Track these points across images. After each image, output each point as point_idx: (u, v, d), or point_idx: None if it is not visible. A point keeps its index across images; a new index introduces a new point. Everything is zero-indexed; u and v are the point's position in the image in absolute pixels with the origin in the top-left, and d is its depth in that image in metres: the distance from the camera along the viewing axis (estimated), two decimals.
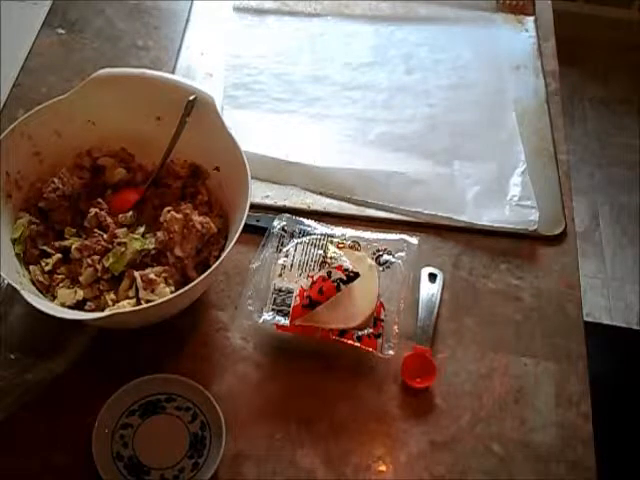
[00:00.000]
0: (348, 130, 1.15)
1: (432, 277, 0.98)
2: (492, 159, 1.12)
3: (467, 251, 1.02)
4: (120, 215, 0.93)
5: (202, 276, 0.83)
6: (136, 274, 0.87)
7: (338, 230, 0.99)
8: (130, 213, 0.93)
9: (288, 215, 1.00)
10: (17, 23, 2.27)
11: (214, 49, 1.24)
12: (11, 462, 0.83)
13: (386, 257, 0.96)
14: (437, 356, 0.92)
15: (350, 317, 0.89)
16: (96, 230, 0.91)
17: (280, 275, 0.93)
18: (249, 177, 0.89)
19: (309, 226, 0.99)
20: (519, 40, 1.29)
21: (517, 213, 1.05)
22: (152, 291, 0.86)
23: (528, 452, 0.86)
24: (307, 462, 0.84)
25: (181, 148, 0.96)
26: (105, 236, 0.90)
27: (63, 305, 0.86)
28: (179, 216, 0.90)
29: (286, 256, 0.95)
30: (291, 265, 0.94)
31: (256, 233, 0.98)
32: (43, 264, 0.90)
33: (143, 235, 0.91)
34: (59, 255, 0.90)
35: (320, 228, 0.99)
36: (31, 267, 0.89)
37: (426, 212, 1.05)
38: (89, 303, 0.87)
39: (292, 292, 0.91)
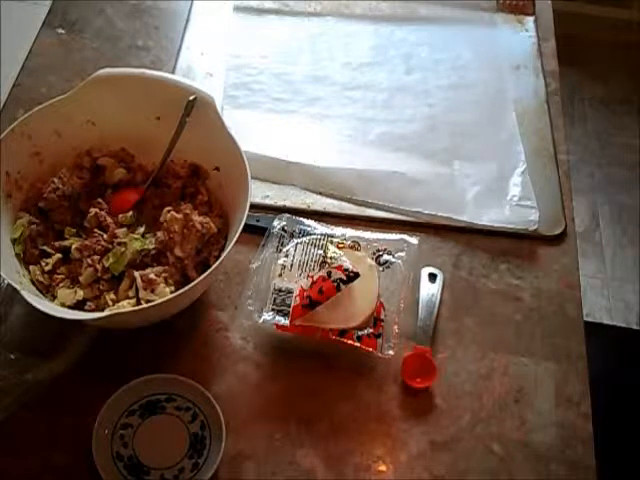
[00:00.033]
0: (348, 130, 1.15)
1: (432, 277, 0.98)
2: (492, 159, 1.12)
3: (467, 251, 1.03)
4: (120, 215, 0.93)
5: (202, 276, 0.83)
6: (136, 274, 0.87)
7: (338, 230, 0.99)
8: (130, 213, 0.93)
9: (288, 215, 1.00)
10: (17, 23, 2.27)
11: (214, 49, 1.24)
12: (11, 462, 0.83)
13: (386, 257, 0.96)
14: (437, 356, 0.92)
15: (350, 317, 0.89)
16: (96, 230, 0.91)
17: (280, 275, 0.93)
18: (249, 177, 0.89)
19: (309, 226, 0.99)
20: (519, 40, 1.29)
21: (517, 213, 1.05)
22: (152, 291, 0.86)
23: (528, 452, 0.86)
24: (307, 462, 0.84)
25: (181, 148, 0.96)
26: (105, 236, 0.90)
27: (63, 305, 0.86)
28: (179, 216, 0.90)
29: (286, 256, 0.95)
30: (291, 265, 0.94)
31: (256, 233, 0.98)
32: (43, 264, 0.90)
33: (143, 235, 0.91)
34: (59, 255, 0.90)
35: (320, 228, 0.99)
36: (31, 267, 0.89)
37: (426, 212, 1.05)
38: (89, 303, 0.87)
39: (292, 292, 0.91)
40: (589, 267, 2.06)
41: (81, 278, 0.88)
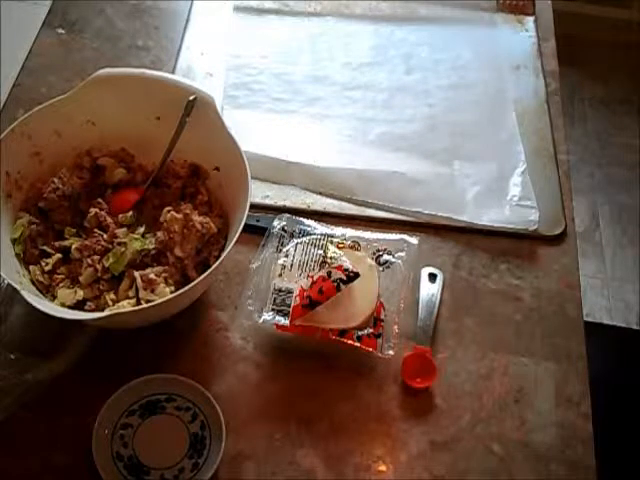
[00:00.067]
0: (348, 130, 1.15)
1: (432, 277, 0.98)
2: (492, 159, 1.12)
3: (467, 251, 1.03)
4: (120, 215, 0.93)
5: (202, 276, 0.83)
6: (136, 274, 0.87)
7: (338, 230, 0.99)
8: (130, 213, 0.93)
9: (288, 215, 1.00)
10: (17, 23, 2.27)
11: (214, 49, 1.24)
12: (11, 462, 0.83)
13: (386, 257, 0.96)
14: (437, 356, 0.92)
15: (350, 317, 0.89)
16: (96, 230, 0.91)
17: (280, 275, 0.93)
18: (249, 177, 0.89)
19: (309, 226, 0.99)
20: (519, 40, 1.29)
21: (517, 213, 1.05)
22: (152, 291, 0.86)
23: (528, 452, 0.86)
24: (307, 462, 0.84)
25: (181, 148, 0.96)
26: (105, 236, 0.90)
27: (63, 305, 0.86)
28: (179, 216, 0.90)
29: (286, 256, 0.95)
30: (291, 265, 0.94)
31: (256, 233, 0.98)
32: (43, 264, 0.90)
33: (143, 235, 0.91)
34: (59, 255, 0.90)
35: (320, 228, 0.99)
36: (31, 267, 0.89)
37: (426, 212, 1.05)
38: (89, 303, 0.87)
39: (292, 292, 0.91)
40: (589, 267, 2.06)
41: (81, 278, 0.88)
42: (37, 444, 0.84)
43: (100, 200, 0.94)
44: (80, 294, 0.87)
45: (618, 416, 1.42)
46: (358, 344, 0.88)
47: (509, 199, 1.07)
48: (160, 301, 0.83)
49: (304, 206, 1.05)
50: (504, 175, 1.10)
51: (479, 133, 1.16)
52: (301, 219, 1.00)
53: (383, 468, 0.85)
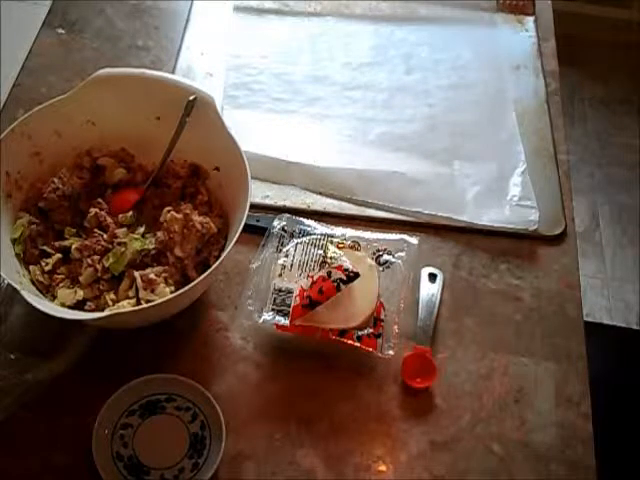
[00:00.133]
0: (348, 130, 1.15)
1: (432, 277, 0.98)
2: (492, 159, 1.12)
3: (467, 251, 1.03)
4: (120, 215, 0.93)
5: (202, 276, 0.83)
6: (136, 274, 0.87)
7: (338, 230, 0.99)
8: (130, 213, 0.93)
9: (288, 215, 1.00)
10: (17, 23, 2.27)
11: (214, 49, 1.24)
12: (11, 462, 0.83)
13: (386, 257, 0.96)
14: (437, 356, 0.92)
15: (350, 317, 0.89)
16: (96, 230, 0.91)
17: (280, 275, 0.93)
18: (249, 177, 0.89)
19: (309, 226, 0.99)
20: (519, 40, 1.29)
21: (517, 213, 1.05)
22: (152, 291, 0.86)
23: (528, 452, 0.86)
24: (307, 462, 0.84)
25: (181, 148, 0.96)
26: (105, 236, 0.90)
27: (63, 305, 0.86)
28: (179, 216, 0.90)
29: (286, 256, 0.95)
30: (291, 265, 0.94)
31: (256, 233, 0.98)
32: (43, 264, 0.90)
33: (143, 235, 0.91)
34: (59, 255, 0.90)
35: (320, 228, 0.99)
36: (31, 267, 0.89)
37: (426, 212, 1.05)
38: (89, 303, 0.87)
39: (292, 292, 0.91)
40: (589, 267, 2.06)
41: (81, 278, 0.88)
42: (37, 444, 0.84)
43: (100, 200, 0.94)
44: (80, 294, 0.87)
45: (618, 416, 1.42)
46: (358, 344, 0.88)
47: (509, 199, 1.07)
48: (160, 301, 0.83)
49: (304, 206, 1.05)
50: (504, 175, 1.10)
51: (479, 133, 1.16)
52: (301, 219, 1.00)
53: (383, 468, 0.85)
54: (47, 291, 0.88)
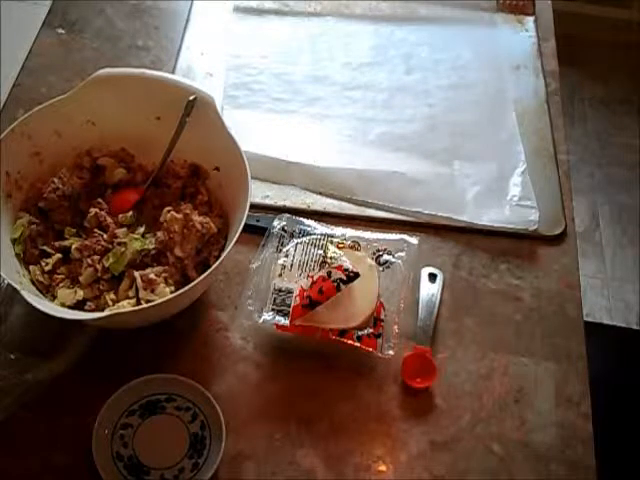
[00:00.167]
0: (348, 130, 1.15)
1: (432, 277, 0.98)
2: (492, 159, 1.12)
3: (467, 251, 1.03)
4: (120, 215, 0.93)
5: (202, 276, 0.83)
6: (136, 274, 0.87)
7: (338, 230, 0.99)
8: (130, 213, 0.93)
9: (288, 215, 1.00)
10: (17, 23, 2.28)
11: (214, 49, 1.24)
12: (11, 462, 0.83)
13: (386, 257, 0.96)
14: (437, 356, 0.92)
15: (350, 317, 0.89)
16: (96, 230, 0.91)
17: (280, 275, 0.93)
18: (249, 177, 0.89)
19: (309, 226, 0.99)
20: (519, 40, 1.29)
21: (517, 213, 1.05)
22: (152, 291, 0.86)
23: (528, 452, 0.86)
24: (307, 462, 0.84)
25: (181, 148, 0.96)
26: (105, 236, 0.90)
27: (63, 305, 0.86)
28: (179, 216, 0.90)
29: (286, 256, 0.95)
30: (291, 265, 0.94)
31: (256, 233, 0.98)
32: (43, 264, 0.90)
33: (143, 235, 0.91)
34: (59, 255, 0.90)
35: (320, 228, 0.99)
36: (31, 267, 0.89)
37: (426, 212, 1.05)
38: (89, 303, 0.87)
39: (292, 292, 0.91)
40: (589, 267, 2.06)
41: (81, 278, 0.88)
42: (37, 444, 0.84)
43: (100, 200, 0.94)
44: (80, 294, 0.87)
45: (618, 416, 1.42)
46: (358, 344, 0.88)
47: (509, 199, 1.07)
48: (160, 301, 0.83)
49: (304, 206, 1.05)
50: (504, 175, 1.10)
51: (479, 133, 1.16)
52: (301, 219, 1.00)
53: (383, 468, 0.85)
54: (47, 291, 0.88)
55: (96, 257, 0.89)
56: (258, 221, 1.00)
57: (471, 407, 0.89)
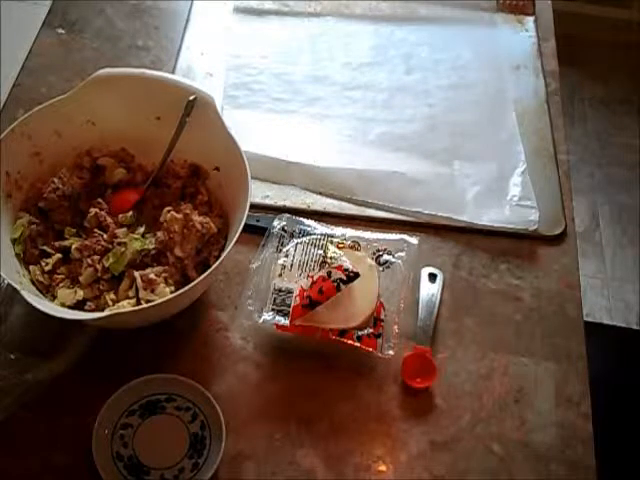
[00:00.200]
0: (348, 130, 1.15)
1: (432, 277, 0.98)
2: (492, 159, 1.12)
3: (467, 251, 1.03)
4: (120, 215, 0.93)
5: (202, 276, 0.83)
6: (136, 274, 0.87)
7: (338, 230, 0.99)
8: (130, 213, 0.93)
9: (288, 215, 1.00)
10: (17, 23, 2.28)
11: (214, 49, 1.24)
12: (11, 462, 0.83)
13: (386, 257, 0.96)
14: (437, 356, 0.92)
15: (350, 317, 0.89)
16: (96, 230, 0.91)
17: (280, 275, 0.93)
18: (249, 177, 0.89)
19: (309, 226, 0.99)
20: (519, 40, 1.29)
21: (517, 213, 1.05)
22: (152, 291, 0.86)
23: (528, 452, 0.86)
24: (307, 462, 0.84)
25: (181, 148, 0.96)
26: (105, 236, 0.90)
27: (63, 305, 0.86)
28: (179, 216, 0.90)
29: (286, 256, 0.95)
30: (291, 265, 0.94)
31: (256, 233, 0.98)
32: (43, 264, 0.90)
33: (143, 235, 0.91)
34: (59, 255, 0.90)
35: (320, 228, 0.99)
36: (31, 267, 0.89)
37: (426, 212, 1.05)
38: (89, 303, 0.87)
39: (292, 292, 0.91)
40: (589, 267, 2.06)
41: (81, 278, 0.88)
42: (37, 444, 0.84)
43: (100, 200, 0.94)
44: (80, 294, 0.87)
45: (618, 416, 1.42)
46: (358, 344, 0.88)
47: (509, 199, 1.07)
48: (160, 301, 0.83)
49: (304, 206, 1.05)
50: (504, 175, 1.10)
51: (479, 133, 1.16)
52: (301, 219, 1.00)
53: (383, 468, 0.85)
54: (47, 291, 0.88)
55: (96, 257, 0.89)
56: (258, 221, 1.00)
57: (471, 407, 0.89)
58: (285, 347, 0.92)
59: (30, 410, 0.85)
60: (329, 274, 0.89)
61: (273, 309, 0.90)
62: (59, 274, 0.89)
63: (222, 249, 0.91)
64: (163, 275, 0.87)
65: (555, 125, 1.17)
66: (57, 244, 0.91)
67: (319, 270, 0.92)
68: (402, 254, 0.96)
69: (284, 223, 0.99)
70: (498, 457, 0.86)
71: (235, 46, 1.24)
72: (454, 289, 0.99)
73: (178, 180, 0.97)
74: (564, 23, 1.40)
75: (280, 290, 0.91)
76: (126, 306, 0.85)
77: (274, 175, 1.08)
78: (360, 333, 0.88)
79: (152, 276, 0.87)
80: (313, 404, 0.88)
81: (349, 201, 1.06)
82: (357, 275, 0.89)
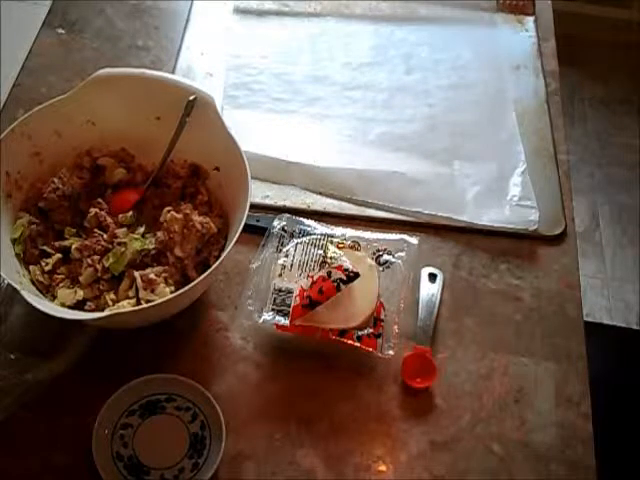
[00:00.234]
0: (348, 130, 1.15)
1: (432, 277, 0.98)
2: (492, 159, 1.12)
3: (467, 251, 1.03)
4: (120, 215, 0.93)
5: (202, 276, 0.83)
6: (136, 274, 0.87)
7: (338, 230, 0.99)
8: (130, 213, 0.93)
9: (288, 215, 1.00)
10: (17, 23, 2.28)
11: (214, 49, 1.24)
12: (11, 462, 0.83)
13: (386, 257, 0.96)
14: (437, 356, 0.92)
15: (350, 317, 0.89)
16: (96, 230, 0.91)
17: (280, 275, 0.93)
18: (249, 177, 0.89)
19: (309, 226, 0.99)
20: (519, 40, 1.29)
21: (517, 213, 1.05)
22: (152, 291, 0.86)
23: (528, 452, 0.86)
24: (307, 462, 0.84)
25: (181, 148, 0.96)
26: (105, 236, 0.90)
27: (63, 305, 0.86)
28: (179, 216, 0.90)
29: (286, 256, 0.95)
30: (291, 265, 0.94)
31: (256, 233, 0.98)
32: (43, 264, 0.90)
33: (143, 235, 0.91)
34: (59, 255, 0.90)
35: (320, 228, 0.99)
36: (31, 267, 0.89)
37: (426, 212, 1.05)
38: (89, 303, 0.87)
39: (292, 292, 0.91)
40: (589, 267, 2.06)
41: (81, 278, 0.88)
42: (37, 444, 0.84)
43: (100, 200, 0.94)
44: (80, 294, 0.87)
45: (618, 416, 1.42)
46: (358, 344, 0.88)
47: (509, 199, 1.07)
48: (160, 301, 0.83)
49: (304, 206, 1.05)
50: (504, 175, 1.10)
51: (479, 133, 1.16)
52: (301, 219, 1.00)
53: (383, 468, 0.85)
54: (47, 291, 0.88)
55: (96, 257, 0.89)
56: (258, 221, 1.00)
57: (471, 407, 0.89)
58: (285, 347, 0.92)
59: (30, 410, 0.85)
60: (329, 274, 0.89)
61: (273, 309, 0.90)
62: (59, 274, 0.89)
63: (222, 249, 0.91)
64: (163, 275, 0.87)
65: (555, 125, 1.17)
66: (57, 244, 0.91)
67: (319, 270, 0.92)
68: (402, 254, 0.96)
69: (284, 223, 0.99)
70: (498, 457, 0.86)
71: (235, 46, 1.24)
72: (454, 289, 0.99)
73: (178, 180, 0.97)
74: (564, 23, 1.40)
75: (280, 290, 0.91)
76: (126, 306, 0.85)
77: (274, 175, 1.08)
78: (360, 333, 0.88)
79: (152, 276, 0.87)
80: (313, 404, 0.88)
81: (349, 201, 1.06)
82: (357, 275, 0.89)
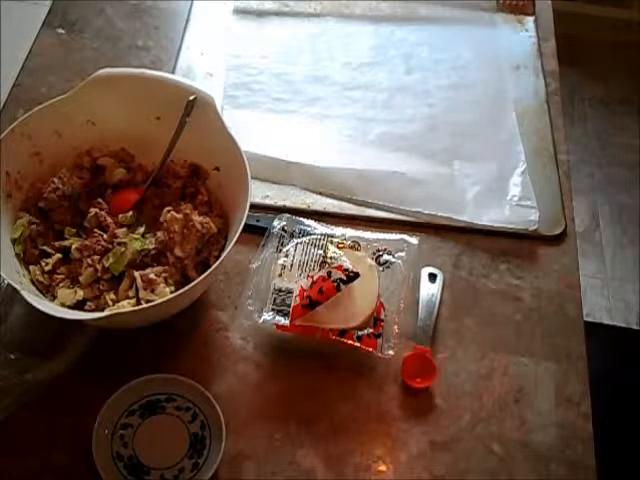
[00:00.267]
0: (348, 130, 1.15)
1: (432, 277, 0.98)
2: (492, 159, 1.12)
3: (467, 251, 1.03)
4: (120, 215, 0.93)
5: (202, 276, 0.83)
6: (136, 274, 0.87)
7: (338, 230, 0.99)
8: (130, 213, 0.93)
9: (288, 215, 1.00)
10: (17, 23, 2.28)
11: (214, 49, 1.24)
12: (11, 462, 0.83)
13: (386, 257, 0.96)
14: (437, 356, 0.92)
15: (350, 317, 0.89)
16: (96, 230, 0.91)
17: (280, 275, 0.93)
18: (249, 177, 0.89)
19: (309, 226, 0.99)
20: (519, 40, 1.29)
21: (517, 213, 1.05)
22: (152, 291, 0.86)
23: (528, 452, 0.86)
24: (307, 462, 0.84)
25: (181, 148, 0.96)
26: (105, 236, 0.90)
27: (63, 305, 0.86)
28: (179, 216, 0.90)
29: (286, 256, 0.95)
30: (291, 265, 0.94)
31: (256, 233, 0.98)
32: (43, 264, 0.90)
33: (143, 235, 0.91)
34: (59, 255, 0.90)
35: (320, 228, 0.99)
36: (31, 267, 0.89)
37: (426, 212, 1.05)
38: (89, 303, 0.87)
39: (292, 292, 0.91)
40: (589, 267, 2.06)
41: (81, 278, 0.88)
42: (37, 444, 0.84)
43: (100, 200, 0.94)
44: (80, 294, 0.87)
45: (618, 416, 1.42)
46: (358, 344, 0.88)
47: (509, 199, 1.07)
48: (160, 301, 0.83)
49: (304, 206, 1.05)
50: (504, 175, 1.10)
51: (479, 133, 1.16)
52: (301, 219, 1.00)
53: (383, 468, 0.85)
54: (47, 291, 0.88)
55: (96, 257, 0.89)
56: (258, 221, 1.00)
57: (471, 407, 0.89)
58: (285, 347, 0.92)
59: (30, 410, 0.85)
60: (329, 274, 0.89)
61: (273, 309, 0.90)
62: (59, 274, 0.89)
63: (222, 249, 0.91)
64: (163, 275, 0.87)
65: (555, 125, 1.17)
66: (57, 244, 0.91)
67: (319, 270, 0.92)
68: (402, 254, 0.96)
69: (284, 223, 0.99)
70: (498, 457, 0.86)
71: (235, 46, 1.24)
72: (454, 289, 0.99)
73: (178, 180, 0.97)
74: (564, 23, 1.40)
75: (280, 290, 0.91)
76: (126, 306, 0.85)
77: (274, 175, 1.08)
78: (360, 333, 0.88)
79: (152, 276, 0.87)
80: (313, 404, 0.88)
81: (349, 201, 1.06)
82: (357, 275, 0.89)
